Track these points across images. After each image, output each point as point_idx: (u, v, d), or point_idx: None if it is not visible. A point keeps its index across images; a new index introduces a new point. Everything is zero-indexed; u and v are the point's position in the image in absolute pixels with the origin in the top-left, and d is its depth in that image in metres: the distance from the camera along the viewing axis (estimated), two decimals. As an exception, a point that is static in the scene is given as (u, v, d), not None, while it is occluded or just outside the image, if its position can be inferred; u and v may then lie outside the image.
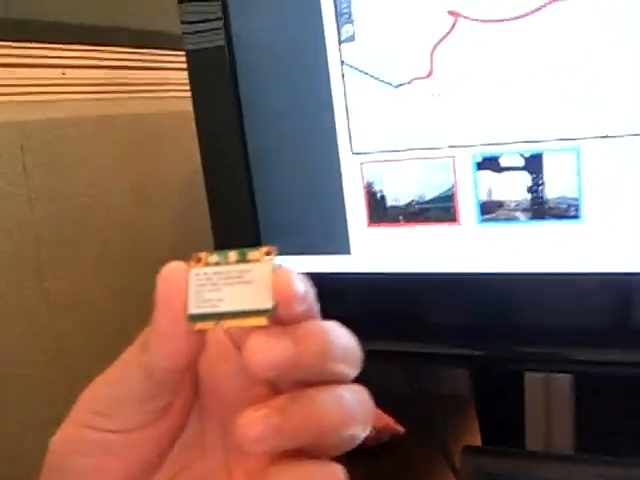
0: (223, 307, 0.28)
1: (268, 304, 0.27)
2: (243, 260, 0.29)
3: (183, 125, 0.73)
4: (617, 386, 0.63)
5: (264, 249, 0.29)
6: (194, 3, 0.61)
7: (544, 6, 0.51)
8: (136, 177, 0.84)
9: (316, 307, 0.29)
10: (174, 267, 0.29)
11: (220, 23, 0.60)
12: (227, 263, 0.29)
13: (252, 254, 0.29)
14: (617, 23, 0.49)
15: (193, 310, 0.28)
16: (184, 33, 0.62)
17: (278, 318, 0.28)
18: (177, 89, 0.88)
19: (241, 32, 0.60)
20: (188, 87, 0.62)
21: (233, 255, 0.29)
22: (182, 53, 0.62)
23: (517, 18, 0.52)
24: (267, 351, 0.27)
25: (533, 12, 0.51)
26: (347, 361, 0.29)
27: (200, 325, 0.28)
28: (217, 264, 0.29)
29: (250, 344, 0.27)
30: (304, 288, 0.28)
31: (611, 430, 0.64)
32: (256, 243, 0.62)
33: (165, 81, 0.91)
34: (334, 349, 0.29)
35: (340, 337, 0.29)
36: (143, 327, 0.30)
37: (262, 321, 0.28)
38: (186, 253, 0.30)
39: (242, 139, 0.61)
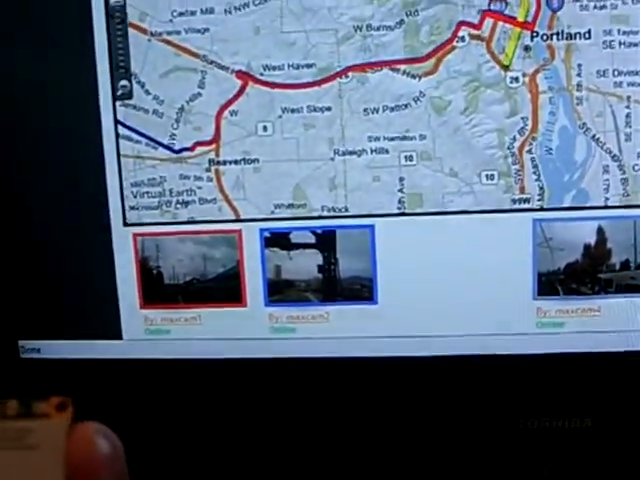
0: None
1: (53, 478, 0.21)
2: (26, 414, 0.22)
3: None
4: None
5: (55, 400, 0.22)
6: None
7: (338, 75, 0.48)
8: None
9: (124, 469, 0.22)
10: None
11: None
12: (4, 417, 0.22)
13: (38, 407, 0.22)
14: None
15: None
16: None
17: None
18: None
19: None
20: None
21: (12, 406, 0.22)
22: None
23: (308, 85, 0.49)
24: None
25: (324, 81, 0.49)
26: None
27: None
28: None
29: None
30: (111, 450, 0.21)
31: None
32: (10, 324, 0.53)
33: None
34: None
35: None
36: None
37: None
38: None
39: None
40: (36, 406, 0.22)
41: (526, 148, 0.48)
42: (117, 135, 0.51)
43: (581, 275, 0.50)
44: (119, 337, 0.53)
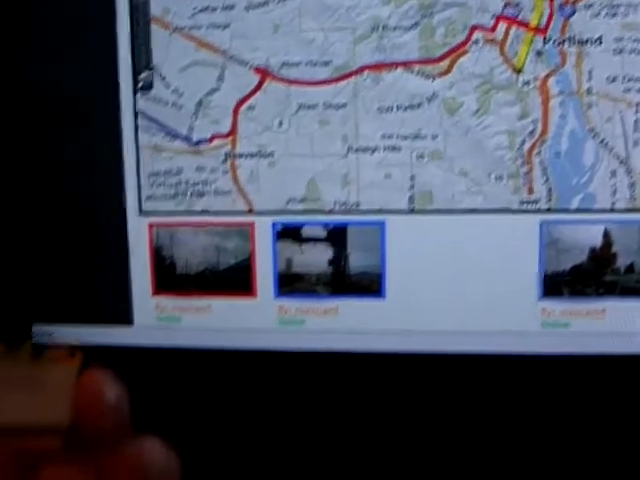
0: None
1: (62, 419, 0.22)
2: (39, 357, 0.23)
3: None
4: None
5: (65, 348, 0.23)
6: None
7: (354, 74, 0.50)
8: None
9: (128, 415, 0.23)
10: None
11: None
12: (17, 360, 0.23)
13: (50, 353, 0.23)
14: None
15: None
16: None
17: (79, 437, 0.22)
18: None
19: (26, 75, 0.53)
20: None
21: (26, 350, 0.23)
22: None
23: (324, 82, 0.50)
24: None
25: (340, 79, 0.50)
26: None
27: None
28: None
29: None
30: (116, 396, 0.22)
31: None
32: (27, 308, 0.54)
33: None
34: None
35: (156, 464, 0.23)
36: None
37: (54, 442, 0.22)
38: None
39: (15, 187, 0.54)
40: (48, 352, 0.23)
41: (535, 150, 0.49)
42: (136, 126, 0.52)
43: (586, 277, 0.50)
44: (130, 323, 0.54)
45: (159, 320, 0.54)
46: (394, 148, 0.50)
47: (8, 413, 0.21)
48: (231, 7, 0.50)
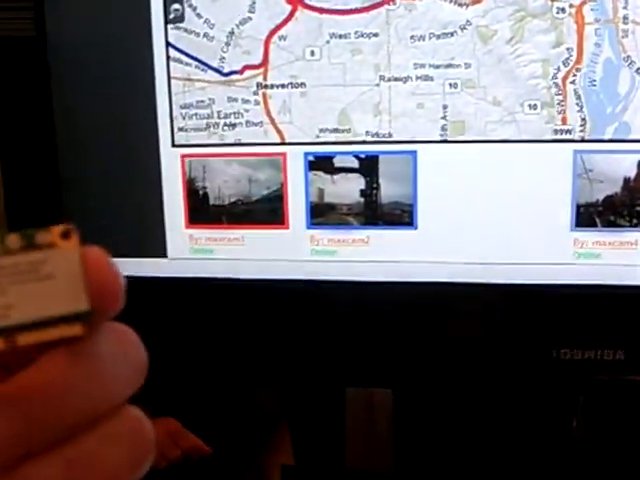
0: (14, 317, 0.20)
1: (83, 305, 0.20)
2: (31, 246, 0.20)
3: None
4: (437, 405, 0.62)
5: (58, 229, 0.20)
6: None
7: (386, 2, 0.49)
8: None
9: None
10: None
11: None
12: (8, 252, 0.20)
13: (42, 236, 0.20)
14: (457, 26, 0.48)
15: None
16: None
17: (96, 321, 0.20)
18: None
19: (55, 9, 0.53)
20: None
21: (14, 239, 0.20)
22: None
23: (356, 11, 0.50)
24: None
25: (372, 7, 0.49)
26: (132, 381, 0.23)
27: None
28: None
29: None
30: (121, 274, 0.20)
31: (430, 451, 0.62)
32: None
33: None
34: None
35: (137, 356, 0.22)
36: None
37: (77, 330, 0.20)
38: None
39: (50, 122, 0.54)
40: (39, 237, 0.20)
41: (570, 79, 0.49)
42: (168, 57, 0.52)
43: (620, 208, 0.50)
44: (164, 256, 0.54)
45: (192, 252, 0.54)
46: (426, 77, 0.50)
47: (23, 308, 0.19)
48: (262, -64, 0.50)
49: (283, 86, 0.51)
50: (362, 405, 0.60)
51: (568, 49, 0.49)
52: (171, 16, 0.52)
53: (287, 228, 0.53)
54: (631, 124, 0.49)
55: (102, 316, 0.20)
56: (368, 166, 0.51)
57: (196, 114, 0.52)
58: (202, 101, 0.52)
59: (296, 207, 0.52)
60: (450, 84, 0.50)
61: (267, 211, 0.53)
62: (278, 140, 0.52)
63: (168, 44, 0.52)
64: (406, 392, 0.58)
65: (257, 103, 0.52)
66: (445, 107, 0.50)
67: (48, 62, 0.53)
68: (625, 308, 0.51)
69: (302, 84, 0.51)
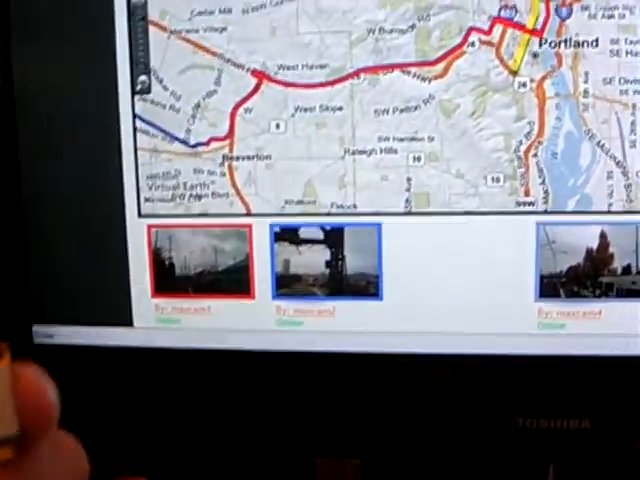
0: None
1: (11, 429, 0.19)
2: None
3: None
4: (406, 475, 0.61)
5: None
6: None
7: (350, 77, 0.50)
8: None
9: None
10: None
11: None
12: None
13: None
14: (420, 100, 0.49)
15: None
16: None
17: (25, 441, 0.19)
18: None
19: (24, 76, 0.54)
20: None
21: None
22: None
23: (321, 85, 0.50)
24: None
25: (336, 82, 0.50)
26: None
27: None
28: None
29: None
30: (53, 390, 0.20)
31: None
32: (25, 310, 0.54)
33: None
34: None
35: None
36: None
37: (6, 454, 0.19)
38: None
39: (16, 189, 0.54)
40: None
41: (532, 152, 0.50)
42: (135, 129, 0.52)
43: (583, 278, 0.51)
44: (130, 325, 0.54)
45: (159, 321, 0.54)
46: (390, 150, 0.50)
47: None
48: (228, 10, 0.50)
49: (249, 158, 0.51)
50: (331, 475, 0.59)
51: (530, 123, 0.49)
52: (138, 88, 0.52)
53: (253, 298, 0.53)
54: (593, 196, 0.50)
55: (34, 438, 0.19)
56: (333, 237, 0.51)
57: (162, 185, 0.52)
58: (168, 172, 0.52)
59: (262, 278, 0.52)
60: (414, 157, 0.50)
61: (233, 281, 0.53)
62: (244, 211, 0.52)
63: (135, 115, 0.52)
64: (375, 462, 0.57)
65: (223, 175, 0.52)
66: (409, 180, 0.50)
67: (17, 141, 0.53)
68: (590, 377, 0.52)
69: (268, 156, 0.51)
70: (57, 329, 0.55)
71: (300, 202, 0.51)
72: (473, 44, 0.49)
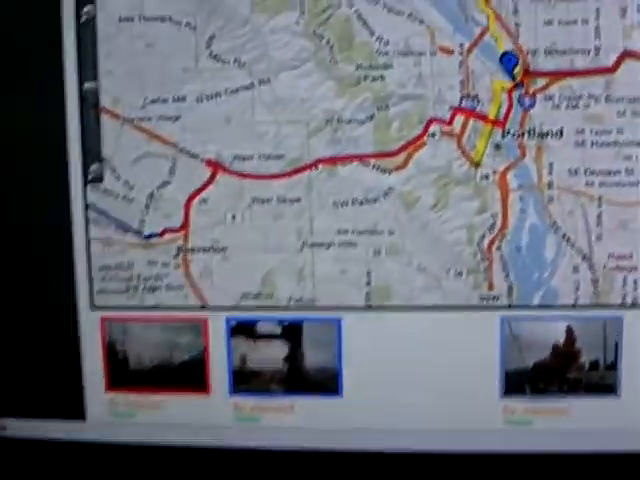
0: None
1: None
2: None
3: None
4: None
5: None
6: None
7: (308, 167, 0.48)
8: None
9: None
10: None
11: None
12: None
13: None
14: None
15: None
16: None
17: None
18: None
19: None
20: None
21: None
22: None
23: (278, 176, 0.49)
24: None
25: (294, 173, 0.49)
26: None
27: None
28: None
29: None
30: None
31: None
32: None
33: None
34: None
35: None
36: None
37: None
38: None
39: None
40: None
41: (495, 245, 0.48)
42: (87, 219, 0.50)
43: (550, 374, 0.49)
44: (83, 419, 0.52)
45: (113, 415, 0.52)
46: (350, 243, 0.49)
47: None
48: (182, 98, 0.49)
49: (204, 250, 0.50)
50: None
51: (493, 215, 0.48)
52: (90, 176, 0.50)
53: (209, 394, 0.51)
54: (558, 290, 0.48)
55: None
56: (292, 332, 0.50)
57: (115, 276, 0.51)
58: (122, 263, 0.51)
59: (218, 373, 0.51)
60: (374, 250, 0.49)
61: (188, 376, 0.51)
62: (199, 304, 0.50)
63: (87, 205, 0.50)
64: None
65: (177, 267, 0.50)
66: (369, 273, 0.49)
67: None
68: (558, 474, 0.50)
69: (224, 248, 0.50)
70: (9, 422, 0.53)
71: (257, 295, 0.50)
72: (434, 135, 0.48)
